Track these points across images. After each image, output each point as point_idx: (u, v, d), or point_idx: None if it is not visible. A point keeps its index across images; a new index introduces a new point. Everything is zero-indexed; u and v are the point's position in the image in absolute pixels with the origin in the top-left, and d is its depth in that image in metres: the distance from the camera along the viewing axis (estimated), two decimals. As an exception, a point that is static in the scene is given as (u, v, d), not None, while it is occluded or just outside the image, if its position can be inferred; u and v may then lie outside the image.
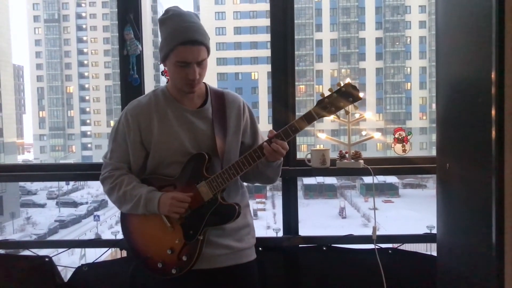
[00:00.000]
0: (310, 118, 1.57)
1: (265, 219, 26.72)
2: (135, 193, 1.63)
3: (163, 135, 1.65)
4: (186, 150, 1.65)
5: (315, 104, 1.58)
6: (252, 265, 1.76)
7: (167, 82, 1.78)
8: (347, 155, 2.14)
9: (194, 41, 1.56)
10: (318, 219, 25.26)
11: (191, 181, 1.63)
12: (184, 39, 1.55)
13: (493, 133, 1.29)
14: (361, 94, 1.56)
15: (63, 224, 28.72)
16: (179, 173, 1.65)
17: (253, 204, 28.07)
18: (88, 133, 56.12)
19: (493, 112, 1.29)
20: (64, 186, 38.27)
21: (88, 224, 29.38)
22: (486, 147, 1.32)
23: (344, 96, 1.56)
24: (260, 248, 2.08)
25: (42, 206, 34.48)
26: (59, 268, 2.27)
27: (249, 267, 1.74)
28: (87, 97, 56.84)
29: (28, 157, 53.74)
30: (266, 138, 1.65)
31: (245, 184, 1.83)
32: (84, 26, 57.26)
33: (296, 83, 2.26)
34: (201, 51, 1.58)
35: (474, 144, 1.45)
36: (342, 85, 1.57)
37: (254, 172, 1.70)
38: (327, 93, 1.58)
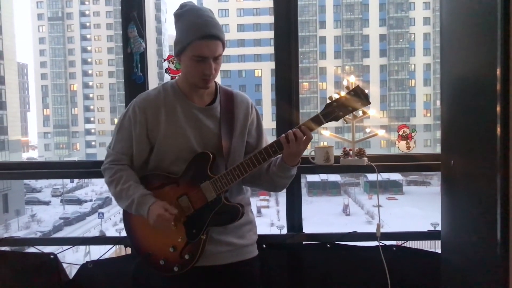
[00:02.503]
0: (317, 121, 1.55)
1: (269, 216, 26.73)
2: (130, 194, 1.62)
3: (170, 131, 1.64)
4: (192, 147, 1.64)
5: (321, 105, 1.55)
6: (254, 262, 1.76)
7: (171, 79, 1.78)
8: (351, 152, 2.14)
9: (212, 36, 1.55)
10: (322, 216, 25.27)
11: (195, 180, 1.62)
12: (202, 34, 1.54)
13: (498, 129, 1.28)
14: (368, 94, 1.52)
15: (67, 221, 28.87)
16: (183, 171, 1.64)
17: (257, 202, 28.10)
18: (92, 130, 56.34)
19: (498, 108, 1.28)
20: (68, 183, 38.49)
21: (92, 221, 29.52)
22: (490, 143, 1.32)
23: (353, 100, 1.53)
24: (264, 246, 2.08)
25: (47, 203, 34.67)
26: (64, 265, 2.28)
27: (251, 264, 1.74)
28: (91, 95, 57.04)
29: (32, 154, 54.00)
30: (270, 142, 1.64)
31: None
32: (87, 24, 57.40)
33: (300, 80, 2.26)
34: (218, 46, 1.57)
35: (479, 141, 1.44)
36: (351, 88, 1.54)
37: (262, 174, 1.70)
38: (335, 96, 1.55)
